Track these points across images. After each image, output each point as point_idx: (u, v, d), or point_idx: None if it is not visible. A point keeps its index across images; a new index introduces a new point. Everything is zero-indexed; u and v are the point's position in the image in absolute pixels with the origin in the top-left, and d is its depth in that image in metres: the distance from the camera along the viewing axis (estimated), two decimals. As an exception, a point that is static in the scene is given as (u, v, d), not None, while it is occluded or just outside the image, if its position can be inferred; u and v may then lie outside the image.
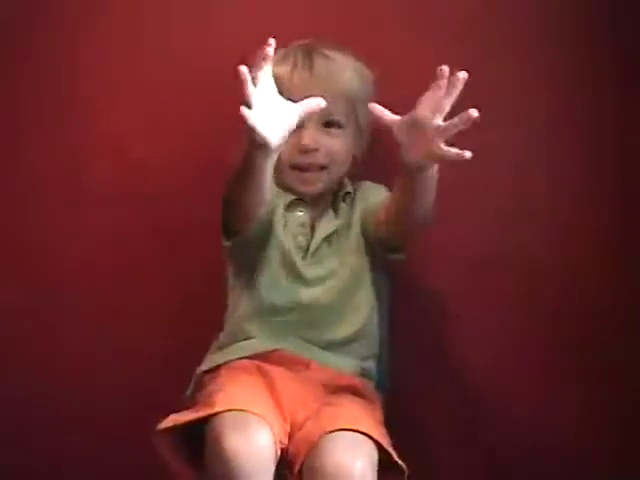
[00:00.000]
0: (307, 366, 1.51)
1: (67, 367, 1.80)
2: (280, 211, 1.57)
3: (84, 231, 1.79)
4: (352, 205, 1.61)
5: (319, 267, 1.56)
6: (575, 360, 1.76)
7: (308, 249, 1.56)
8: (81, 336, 1.80)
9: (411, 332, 1.74)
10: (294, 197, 1.58)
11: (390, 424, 1.59)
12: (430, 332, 1.76)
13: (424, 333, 1.76)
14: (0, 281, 1.80)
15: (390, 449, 1.39)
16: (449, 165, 1.71)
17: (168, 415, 1.40)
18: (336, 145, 1.56)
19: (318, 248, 1.57)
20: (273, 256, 1.55)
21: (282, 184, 1.58)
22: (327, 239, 1.57)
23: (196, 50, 1.75)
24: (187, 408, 1.42)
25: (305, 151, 1.54)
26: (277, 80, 1.47)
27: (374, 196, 1.60)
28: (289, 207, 1.58)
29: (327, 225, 1.58)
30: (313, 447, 1.36)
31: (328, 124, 1.55)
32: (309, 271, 1.55)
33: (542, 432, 1.76)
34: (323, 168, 1.56)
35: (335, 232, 1.58)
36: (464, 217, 1.75)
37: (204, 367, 1.56)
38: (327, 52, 1.56)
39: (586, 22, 1.73)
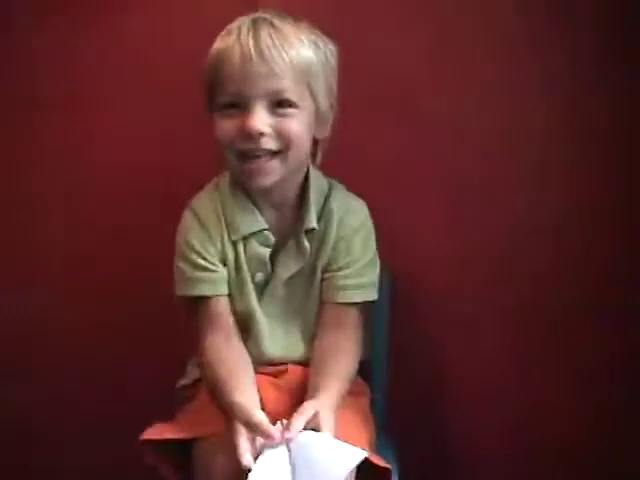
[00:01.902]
0: (286, 371, 1.45)
1: (68, 366, 1.81)
2: (231, 252, 1.45)
3: (82, 230, 1.79)
4: (315, 240, 1.46)
5: (276, 310, 1.47)
6: (575, 360, 1.76)
7: (267, 286, 1.46)
8: (80, 336, 1.81)
9: (411, 332, 1.75)
10: (252, 229, 1.44)
11: (388, 424, 1.59)
12: (430, 332, 1.77)
13: (424, 333, 1.77)
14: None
15: (371, 453, 1.33)
16: (451, 165, 1.74)
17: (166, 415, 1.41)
18: (290, 125, 1.36)
19: (277, 289, 1.46)
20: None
21: (237, 202, 1.45)
22: (289, 278, 1.46)
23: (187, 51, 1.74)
24: (174, 417, 1.42)
25: (250, 136, 1.35)
26: (220, 54, 1.35)
27: (343, 252, 1.46)
28: (246, 239, 1.45)
29: (289, 262, 1.45)
30: None
31: (279, 104, 1.35)
32: (265, 314, 1.47)
33: (542, 431, 1.77)
34: (276, 154, 1.37)
35: (298, 272, 1.46)
36: (465, 218, 1.75)
37: (186, 381, 1.53)
38: (277, 23, 1.36)
39: (589, 17, 1.72)
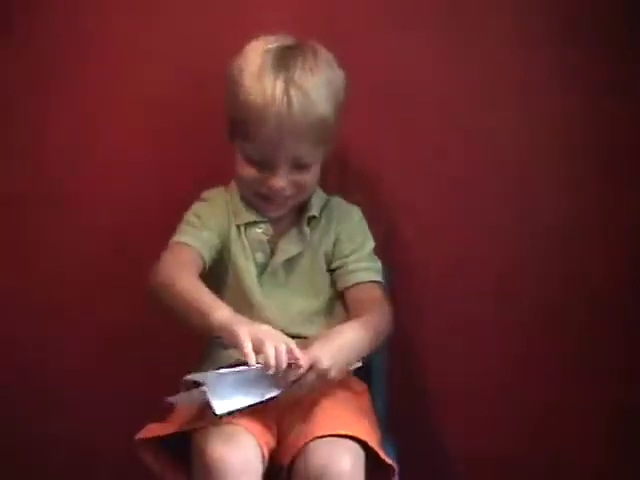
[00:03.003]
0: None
1: (67, 366, 1.82)
2: (235, 232, 1.56)
3: (82, 230, 1.79)
4: (318, 229, 1.58)
5: (276, 289, 1.54)
6: (576, 360, 1.76)
7: (267, 267, 1.55)
8: (80, 336, 1.81)
9: (410, 332, 1.75)
10: (254, 219, 1.56)
11: (389, 424, 1.59)
12: (430, 332, 1.77)
13: (424, 333, 1.77)
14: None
15: (378, 448, 1.37)
16: (449, 165, 1.74)
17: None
18: (306, 179, 1.52)
19: (277, 270, 1.55)
20: (228, 280, 1.53)
21: (244, 199, 1.57)
22: (288, 261, 1.56)
23: (192, 50, 1.75)
24: (170, 415, 1.43)
25: (272, 190, 1.50)
26: (252, 111, 1.45)
27: (347, 247, 1.58)
28: (248, 224, 1.56)
29: (289, 247, 1.56)
30: (299, 452, 1.35)
31: (299, 165, 1.50)
32: (264, 293, 1.53)
33: (543, 431, 1.77)
34: (289, 198, 1.53)
35: (298, 255, 1.56)
36: (465, 217, 1.75)
37: (190, 377, 1.54)
38: (305, 82, 1.46)
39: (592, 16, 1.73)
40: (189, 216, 1.57)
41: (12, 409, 1.82)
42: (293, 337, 1.48)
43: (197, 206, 1.58)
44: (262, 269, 1.55)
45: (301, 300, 1.55)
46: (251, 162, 1.50)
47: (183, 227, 1.55)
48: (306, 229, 1.56)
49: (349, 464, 1.32)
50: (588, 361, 1.75)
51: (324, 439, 1.34)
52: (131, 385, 1.79)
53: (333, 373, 1.38)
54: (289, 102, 1.45)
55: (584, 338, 1.75)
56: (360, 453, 1.35)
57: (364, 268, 1.58)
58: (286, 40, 1.52)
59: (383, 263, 1.63)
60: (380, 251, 1.62)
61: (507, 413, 1.76)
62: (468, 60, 1.72)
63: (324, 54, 1.52)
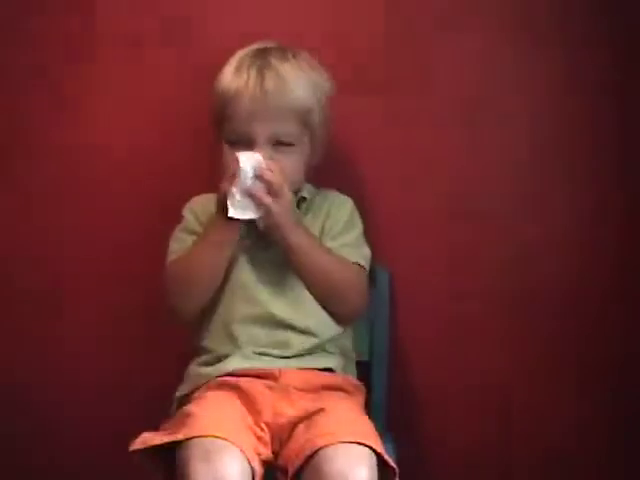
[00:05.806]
0: (279, 374, 1.48)
1: (67, 367, 1.82)
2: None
3: (81, 231, 1.79)
4: (309, 211, 1.60)
5: (268, 273, 1.55)
6: (576, 359, 1.76)
7: (255, 250, 1.55)
8: (80, 336, 1.81)
9: (411, 332, 1.75)
10: None
11: (388, 424, 1.59)
12: (430, 332, 1.76)
13: (424, 333, 1.77)
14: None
15: (383, 452, 1.37)
16: (452, 165, 1.74)
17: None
18: (287, 164, 1.52)
19: (268, 249, 1.54)
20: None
21: None
22: (277, 250, 1.54)
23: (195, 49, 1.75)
24: (165, 424, 1.43)
25: None
26: (228, 96, 1.51)
27: (335, 224, 1.59)
28: None
29: None
30: (309, 457, 1.34)
31: (279, 143, 1.52)
32: (252, 271, 1.54)
33: (543, 431, 1.77)
34: None
35: None
36: (465, 218, 1.75)
37: (182, 391, 1.55)
38: (280, 67, 1.53)
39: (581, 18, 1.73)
40: (176, 233, 1.60)
41: (12, 409, 1.82)
42: (279, 320, 1.52)
43: (181, 221, 1.61)
44: (251, 254, 1.55)
45: (288, 287, 1.54)
46: (234, 146, 1.52)
47: (173, 246, 1.59)
48: (296, 210, 1.56)
49: (366, 473, 1.32)
50: (590, 360, 1.75)
51: (340, 445, 1.33)
52: (131, 385, 1.78)
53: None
54: (262, 81, 1.50)
55: (586, 337, 1.75)
56: (374, 461, 1.35)
57: (348, 251, 1.56)
58: (270, 44, 1.57)
59: (383, 263, 1.63)
60: (380, 252, 1.62)
61: (507, 413, 1.76)
62: (469, 60, 1.73)
63: (306, 56, 1.57)
